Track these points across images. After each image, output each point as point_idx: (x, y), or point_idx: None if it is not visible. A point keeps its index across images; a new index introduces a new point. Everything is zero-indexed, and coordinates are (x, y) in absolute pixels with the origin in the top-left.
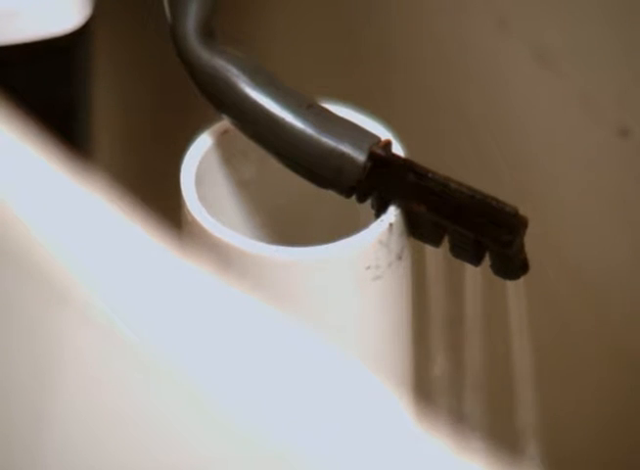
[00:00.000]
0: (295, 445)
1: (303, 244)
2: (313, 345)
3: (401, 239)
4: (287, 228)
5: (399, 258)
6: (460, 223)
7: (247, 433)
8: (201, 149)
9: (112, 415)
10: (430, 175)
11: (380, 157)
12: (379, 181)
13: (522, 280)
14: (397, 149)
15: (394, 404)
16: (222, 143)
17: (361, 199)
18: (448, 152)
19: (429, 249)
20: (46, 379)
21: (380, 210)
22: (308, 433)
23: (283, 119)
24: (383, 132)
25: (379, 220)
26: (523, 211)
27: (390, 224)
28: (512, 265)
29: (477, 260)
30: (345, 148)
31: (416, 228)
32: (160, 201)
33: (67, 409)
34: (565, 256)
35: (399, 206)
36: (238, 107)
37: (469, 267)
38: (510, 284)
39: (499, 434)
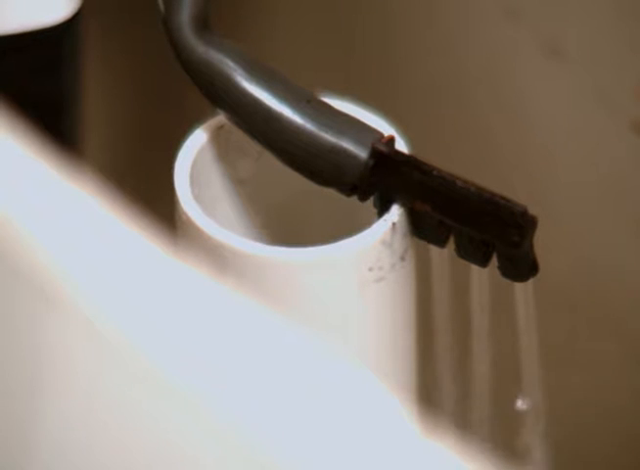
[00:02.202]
0: (294, 450)
1: (303, 244)
2: (313, 348)
3: (405, 239)
4: (285, 228)
5: (403, 258)
6: (466, 223)
7: (243, 438)
8: (195, 145)
9: (102, 420)
10: (435, 173)
11: (382, 153)
12: (381, 179)
13: (530, 282)
14: (401, 145)
15: (396, 409)
16: (218, 139)
17: (363, 197)
18: (454, 148)
19: (433, 249)
20: (34, 382)
21: (382, 209)
22: (308, 438)
23: (281, 114)
24: (385, 128)
25: (381, 220)
26: (532, 209)
27: (394, 224)
28: (520, 267)
29: (484, 262)
30: (347, 144)
31: (420, 228)
32: (154, 200)
33: (55, 413)
34: (576, 255)
35: (403, 204)
36: (234, 101)
37: (475, 269)
38: (518, 286)
39: (506, 440)
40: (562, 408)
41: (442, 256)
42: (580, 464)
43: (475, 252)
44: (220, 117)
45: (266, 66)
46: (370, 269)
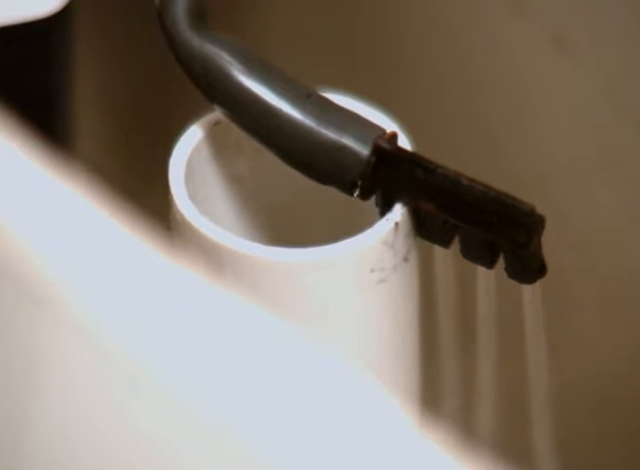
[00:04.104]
0: (294, 451)
1: (302, 245)
2: (312, 352)
3: (408, 239)
4: (284, 228)
5: (406, 259)
6: (472, 223)
7: (242, 440)
8: (191, 142)
9: (95, 423)
10: (439, 171)
11: (385, 150)
12: (384, 177)
13: (538, 284)
14: (404, 142)
15: (397, 411)
16: (214, 135)
17: (364, 196)
18: (459, 145)
19: (437, 250)
20: (27, 385)
21: (385, 208)
22: (308, 440)
23: (280, 110)
24: (388, 124)
25: (383, 219)
26: (540, 208)
27: (396, 224)
28: (528, 268)
29: (490, 263)
30: (348, 141)
31: (424, 228)
32: (147, 198)
33: (48, 416)
34: (585, 256)
35: (406, 203)
36: (231, 96)
37: (481, 270)
38: (526, 288)
39: (511, 446)
40: (567, 410)
41: (447, 256)
42: (585, 465)
43: (480, 252)
44: (216, 113)
45: (264, 60)
46: (372, 270)
